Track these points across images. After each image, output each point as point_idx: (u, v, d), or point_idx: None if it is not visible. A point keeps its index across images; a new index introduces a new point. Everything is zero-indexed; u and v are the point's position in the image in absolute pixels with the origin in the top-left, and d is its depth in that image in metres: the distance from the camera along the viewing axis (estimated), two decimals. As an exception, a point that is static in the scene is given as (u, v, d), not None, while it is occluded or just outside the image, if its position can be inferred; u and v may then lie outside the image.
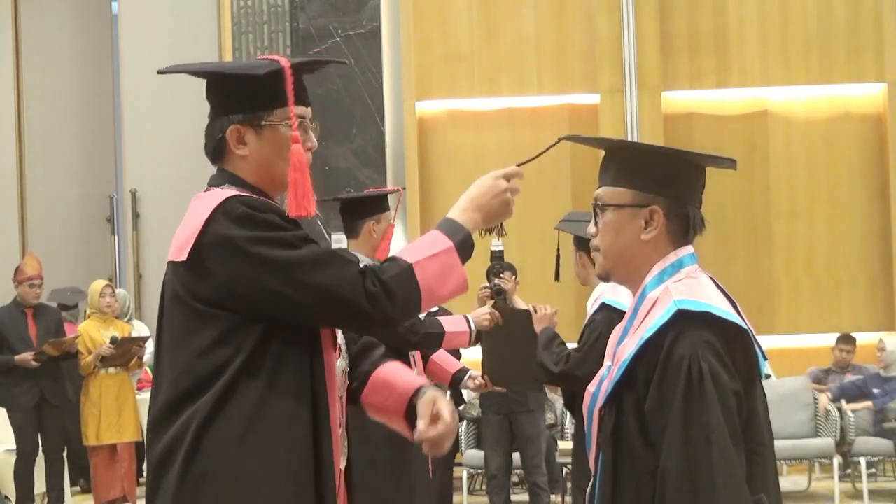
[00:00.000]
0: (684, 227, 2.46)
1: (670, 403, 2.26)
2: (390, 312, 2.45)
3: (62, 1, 12.93)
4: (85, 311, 9.63)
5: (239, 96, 2.58)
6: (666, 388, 2.27)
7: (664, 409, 2.27)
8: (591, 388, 2.51)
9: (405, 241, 10.40)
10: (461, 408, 8.59)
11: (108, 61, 12.92)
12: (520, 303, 7.48)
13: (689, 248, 2.47)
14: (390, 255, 2.58)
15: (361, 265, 2.46)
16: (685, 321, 2.30)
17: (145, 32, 11.72)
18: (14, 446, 8.97)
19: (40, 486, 9.06)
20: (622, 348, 2.40)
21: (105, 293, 8.99)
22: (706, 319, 2.31)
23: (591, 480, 2.48)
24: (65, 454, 9.16)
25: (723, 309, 2.33)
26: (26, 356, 8.72)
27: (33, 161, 12.50)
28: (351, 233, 5.13)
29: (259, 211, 2.47)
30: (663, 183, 2.46)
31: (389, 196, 5.39)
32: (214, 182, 2.61)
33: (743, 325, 2.34)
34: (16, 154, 12.39)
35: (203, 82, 2.68)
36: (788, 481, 9.80)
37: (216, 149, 2.62)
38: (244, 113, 2.57)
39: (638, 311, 2.41)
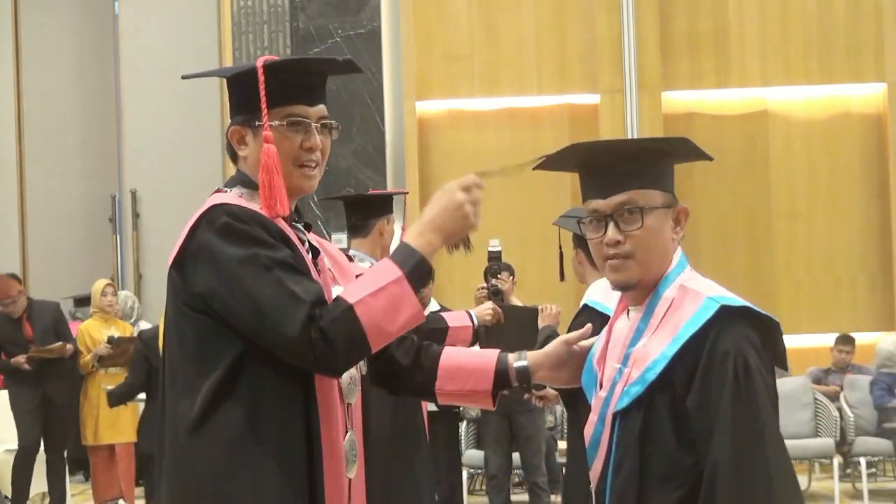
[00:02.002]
0: None
1: (718, 399, 2.26)
2: (331, 360, 2.38)
3: (63, 1, 12.96)
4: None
5: (238, 97, 2.58)
6: (711, 384, 2.27)
7: (710, 406, 2.26)
8: (601, 393, 2.48)
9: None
10: (462, 408, 8.59)
11: (110, 60, 12.93)
12: (517, 304, 7.47)
13: (679, 248, 2.48)
14: (339, 292, 2.46)
15: (314, 310, 2.36)
16: (726, 316, 2.30)
17: (145, 32, 11.72)
18: (14, 446, 8.97)
19: (42, 486, 9.06)
20: (642, 350, 2.37)
21: (107, 292, 9.04)
22: (745, 315, 2.32)
23: (599, 484, 2.46)
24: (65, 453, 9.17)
25: (753, 304, 2.36)
26: (19, 359, 8.73)
27: (33, 161, 12.49)
28: (360, 231, 5.10)
29: (241, 222, 2.43)
30: (673, 181, 2.47)
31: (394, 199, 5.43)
32: (228, 183, 2.61)
33: (776, 318, 2.37)
34: (16, 154, 12.38)
35: (204, 83, 2.69)
36: (788, 481, 9.79)
37: (229, 148, 2.62)
38: (244, 114, 2.56)
39: (654, 312, 2.39)
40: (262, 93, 2.49)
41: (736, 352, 2.27)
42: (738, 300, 2.34)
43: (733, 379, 2.26)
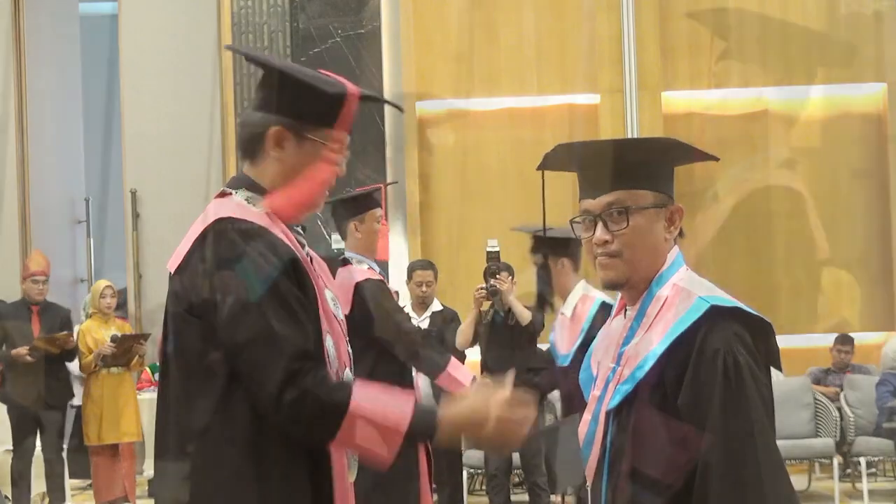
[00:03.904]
0: None
1: (708, 398, 2.26)
2: (293, 422, 2.38)
3: (63, 0, 13.04)
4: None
5: (296, 101, 2.53)
6: (702, 383, 2.27)
7: (700, 404, 2.27)
8: (595, 391, 2.50)
9: (405, 241, 10.39)
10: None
11: (76, 62, 13.04)
12: (516, 303, 7.47)
13: (677, 247, 2.49)
14: (354, 379, 2.47)
15: (297, 364, 2.36)
16: (716, 316, 2.31)
17: (145, 33, 11.71)
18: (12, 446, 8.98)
19: (42, 486, 9.06)
20: (634, 348, 2.39)
21: (105, 294, 9.10)
22: (735, 314, 2.33)
23: (595, 482, 2.47)
24: (64, 454, 9.17)
25: (745, 304, 2.36)
26: (21, 350, 8.74)
27: (33, 161, 12.52)
28: (341, 235, 5.16)
29: (248, 240, 2.43)
30: (670, 182, 2.47)
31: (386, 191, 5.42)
32: (232, 184, 2.58)
33: (768, 319, 2.37)
34: (16, 153, 12.37)
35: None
36: (788, 481, 9.79)
37: (252, 143, 2.57)
38: (294, 119, 2.52)
39: (646, 311, 2.41)
40: (348, 121, 2.54)
41: (726, 350, 2.28)
42: (729, 300, 2.35)
43: (723, 377, 2.26)
